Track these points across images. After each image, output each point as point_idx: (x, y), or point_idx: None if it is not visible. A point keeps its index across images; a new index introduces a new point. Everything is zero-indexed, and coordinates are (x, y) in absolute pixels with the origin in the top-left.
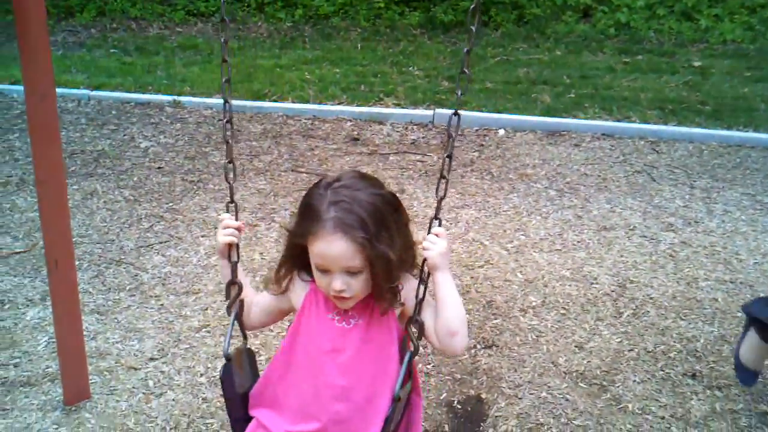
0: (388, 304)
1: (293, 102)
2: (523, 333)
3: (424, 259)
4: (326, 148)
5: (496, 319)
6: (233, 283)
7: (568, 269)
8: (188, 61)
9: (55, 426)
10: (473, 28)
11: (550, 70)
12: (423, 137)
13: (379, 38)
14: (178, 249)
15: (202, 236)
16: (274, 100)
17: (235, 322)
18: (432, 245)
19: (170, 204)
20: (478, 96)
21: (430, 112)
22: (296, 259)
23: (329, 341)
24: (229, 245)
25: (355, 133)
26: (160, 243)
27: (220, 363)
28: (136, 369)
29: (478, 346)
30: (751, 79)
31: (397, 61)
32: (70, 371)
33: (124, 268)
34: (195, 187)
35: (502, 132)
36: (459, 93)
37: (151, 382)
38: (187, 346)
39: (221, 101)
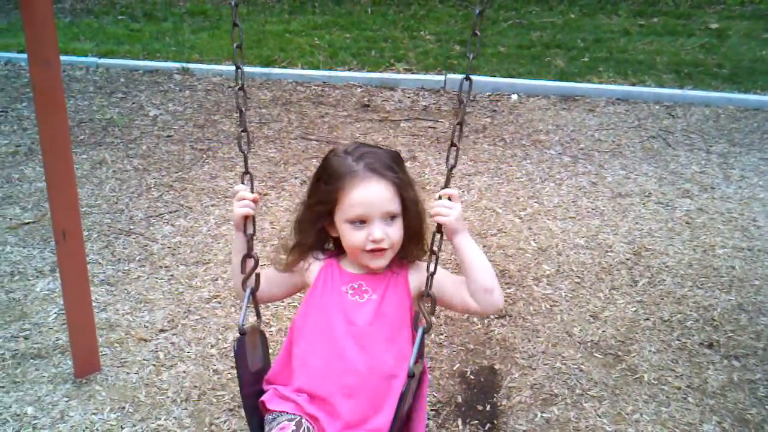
0: (417, 254)
1: (303, 68)
2: (537, 302)
3: (438, 227)
4: (336, 114)
5: (509, 288)
6: (249, 257)
7: (583, 237)
8: (197, 28)
9: (66, 399)
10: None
11: (564, 33)
12: (434, 103)
13: (389, 2)
14: (188, 218)
15: (212, 205)
16: (284, 67)
17: (250, 296)
18: (448, 210)
19: (180, 173)
20: (491, 60)
21: (441, 78)
22: (311, 240)
23: (343, 316)
24: (245, 217)
25: (366, 99)
26: (170, 212)
27: (231, 334)
28: (146, 341)
29: (491, 316)
30: None
31: (408, 25)
32: (80, 343)
33: (134, 238)
34: (204, 155)
35: (515, 97)
36: (470, 56)
37: (161, 354)
38: (198, 317)
39: (231, 68)
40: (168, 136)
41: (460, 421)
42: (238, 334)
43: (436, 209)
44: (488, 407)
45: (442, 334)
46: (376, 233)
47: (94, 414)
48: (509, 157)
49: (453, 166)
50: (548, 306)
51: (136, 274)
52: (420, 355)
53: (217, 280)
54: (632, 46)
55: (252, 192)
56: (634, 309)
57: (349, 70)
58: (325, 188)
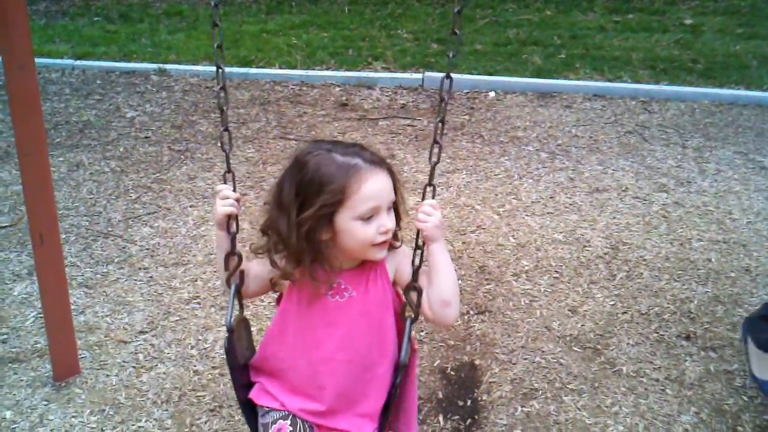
0: (395, 240)
1: (281, 68)
2: (516, 298)
3: (419, 230)
4: (315, 114)
5: (488, 284)
6: (233, 254)
7: (561, 232)
8: (173, 29)
9: (45, 402)
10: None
11: (540, 30)
12: (413, 101)
13: (366, 1)
14: (167, 220)
15: (191, 206)
16: (261, 67)
17: (236, 292)
18: (428, 217)
19: (158, 174)
20: (468, 58)
21: (419, 76)
22: (308, 251)
23: (323, 317)
24: (228, 216)
25: (344, 98)
26: (148, 214)
27: (211, 335)
28: (125, 342)
29: (471, 312)
30: (743, 37)
31: (385, 24)
32: (58, 346)
33: (112, 240)
34: (182, 156)
35: (492, 94)
36: (450, 55)
37: (141, 356)
38: (177, 318)
39: (208, 68)
40: (145, 137)
41: (441, 417)
42: (226, 333)
43: (420, 216)
44: (469, 402)
45: (422, 331)
46: (388, 224)
47: (73, 417)
48: (487, 154)
49: (436, 163)
50: (527, 301)
51: (114, 276)
52: (408, 347)
53: (196, 281)
54: (608, 42)
55: (234, 191)
56: (612, 303)
57: (327, 69)
58: (325, 195)
